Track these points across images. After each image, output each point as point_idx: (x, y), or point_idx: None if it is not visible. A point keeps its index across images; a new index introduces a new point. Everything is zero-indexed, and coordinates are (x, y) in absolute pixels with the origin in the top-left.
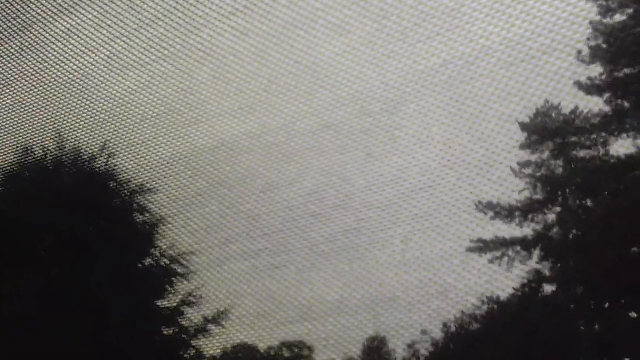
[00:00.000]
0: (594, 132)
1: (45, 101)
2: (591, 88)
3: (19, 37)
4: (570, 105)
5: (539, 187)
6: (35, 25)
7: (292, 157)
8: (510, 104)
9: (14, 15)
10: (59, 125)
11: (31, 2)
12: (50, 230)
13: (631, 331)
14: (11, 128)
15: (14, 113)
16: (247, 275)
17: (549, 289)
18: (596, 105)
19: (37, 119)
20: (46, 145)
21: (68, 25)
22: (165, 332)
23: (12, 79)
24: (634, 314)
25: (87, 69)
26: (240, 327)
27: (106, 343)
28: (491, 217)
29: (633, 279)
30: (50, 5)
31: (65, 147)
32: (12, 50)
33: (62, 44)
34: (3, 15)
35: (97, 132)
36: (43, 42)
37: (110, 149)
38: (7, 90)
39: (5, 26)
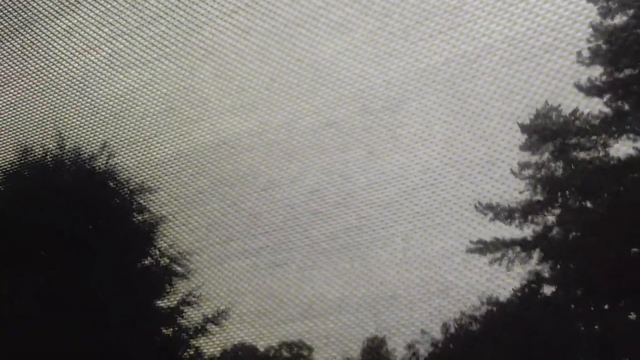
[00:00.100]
0: (594, 133)
1: (47, 99)
2: (591, 89)
3: (20, 35)
4: (570, 107)
5: (538, 188)
6: (37, 23)
7: (294, 155)
8: (512, 102)
9: (16, 13)
10: (60, 123)
11: (33, 0)
12: (50, 229)
13: (631, 332)
14: (12, 126)
15: (15, 111)
16: (247, 273)
17: (548, 289)
18: (596, 106)
19: (38, 117)
20: (46, 144)
21: (69, 24)
22: (165, 332)
23: (13, 76)
24: (633, 316)
25: (89, 67)
26: (240, 325)
27: (106, 343)
28: (491, 218)
29: (633, 280)
30: (51, 3)
31: (66, 146)
32: (14, 48)
33: (64, 41)
34: (4, 13)
35: (99, 129)
36: (44, 40)
37: (111, 147)
38: (9, 88)
39: (6, 24)
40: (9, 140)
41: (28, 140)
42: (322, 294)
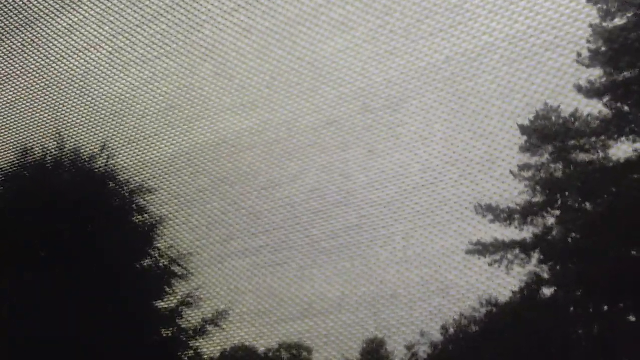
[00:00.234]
0: (593, 135)
1: (47, 97)
2: (590, 91)
3: (21, 33)
4: (570, 107)
5: (538, 190)
6: (38, 22)
7: (294, 154)
8: (512, 101)
9: (16, 12)
10: (60, 122)
11: None
12: (50, 229)
13: (630, 334)
14: (13, 125)
15: (15, 109)
16: (248, 272)
17: (548, 291)
18: (595, 108)
19: (38, 115)
20: (46, 143)
21: (70, 22)
22: (164, 333)
23: (14, 75)
24: (632, 318)
25: (89, 66)
26: (241, 324)
27: (106, 343)
28: (490, 220)
29: (632, 281)
30: (52, 2)
31: (66, 145)
32: (15, 47)
33: (64, 40)
34: (5, 12)
35: (99, 128)
36: (45, 38)
37: (111, 146)
38: (9, 86)
39: (7, 22)
40: (10, 138)
41: (29, 139)
42: (322, 293)
